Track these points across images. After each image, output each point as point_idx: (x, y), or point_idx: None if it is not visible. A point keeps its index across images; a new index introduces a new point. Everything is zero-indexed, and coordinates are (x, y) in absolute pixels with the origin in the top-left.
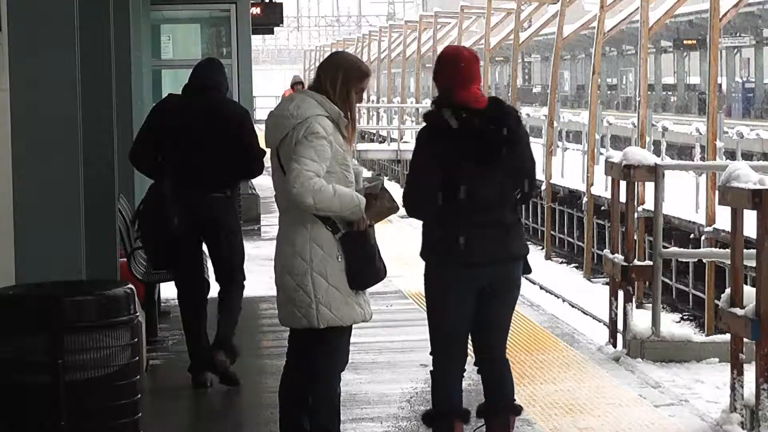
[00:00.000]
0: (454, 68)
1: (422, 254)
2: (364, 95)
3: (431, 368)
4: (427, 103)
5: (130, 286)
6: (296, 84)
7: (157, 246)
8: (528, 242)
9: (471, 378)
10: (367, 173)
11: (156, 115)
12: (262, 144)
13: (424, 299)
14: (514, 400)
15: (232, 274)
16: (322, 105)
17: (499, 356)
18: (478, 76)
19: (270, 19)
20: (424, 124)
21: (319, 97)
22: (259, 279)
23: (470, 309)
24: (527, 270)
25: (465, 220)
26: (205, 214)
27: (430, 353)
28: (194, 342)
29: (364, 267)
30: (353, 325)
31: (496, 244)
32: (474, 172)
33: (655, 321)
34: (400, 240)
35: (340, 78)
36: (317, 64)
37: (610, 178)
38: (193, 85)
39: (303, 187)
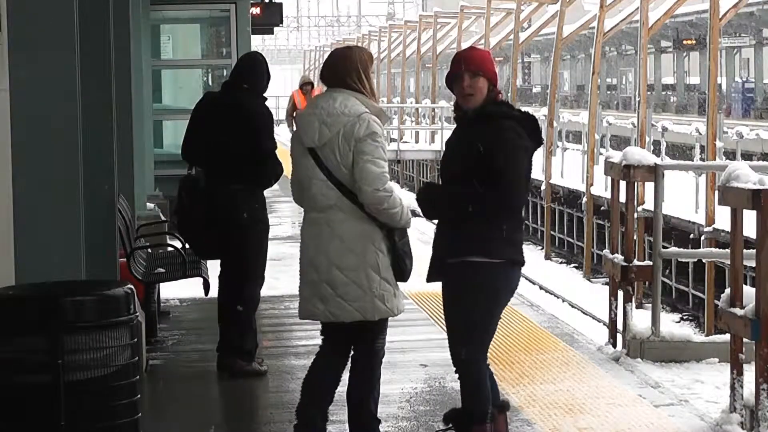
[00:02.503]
0: (493, 68)
1: (488, 254)
2: None
3: (471, 369)
4: (427, 103)
5: (130, 286)
6: (305, 84)
7: (189, 238)
8: (528, 242)
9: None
10: None
11: (194, 111)
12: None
13: (477, 299)
14: None
15: (240, 278)
16: (364, 104)
17: None
18: None
19: (270, 19)
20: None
21: (358, 95)
22: None
23: None
24: None
25: (521, 218)
26: (222, 205)
27: (469, 355)
28: (223, 330)
29: (407, 259)
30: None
31: None
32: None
33: (655, 321)
34: None
35: (365, 72)
36: (321, 64)
37: (609, 178)
38: (226, 82)
39: (384, 191)
